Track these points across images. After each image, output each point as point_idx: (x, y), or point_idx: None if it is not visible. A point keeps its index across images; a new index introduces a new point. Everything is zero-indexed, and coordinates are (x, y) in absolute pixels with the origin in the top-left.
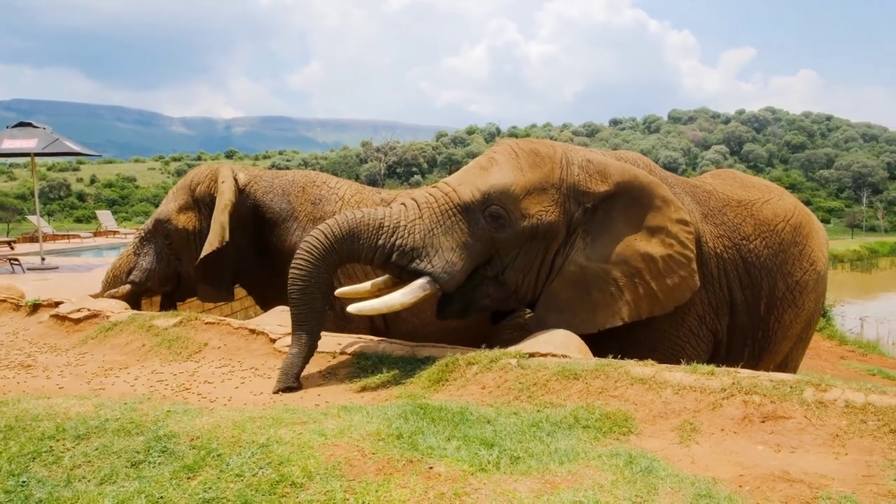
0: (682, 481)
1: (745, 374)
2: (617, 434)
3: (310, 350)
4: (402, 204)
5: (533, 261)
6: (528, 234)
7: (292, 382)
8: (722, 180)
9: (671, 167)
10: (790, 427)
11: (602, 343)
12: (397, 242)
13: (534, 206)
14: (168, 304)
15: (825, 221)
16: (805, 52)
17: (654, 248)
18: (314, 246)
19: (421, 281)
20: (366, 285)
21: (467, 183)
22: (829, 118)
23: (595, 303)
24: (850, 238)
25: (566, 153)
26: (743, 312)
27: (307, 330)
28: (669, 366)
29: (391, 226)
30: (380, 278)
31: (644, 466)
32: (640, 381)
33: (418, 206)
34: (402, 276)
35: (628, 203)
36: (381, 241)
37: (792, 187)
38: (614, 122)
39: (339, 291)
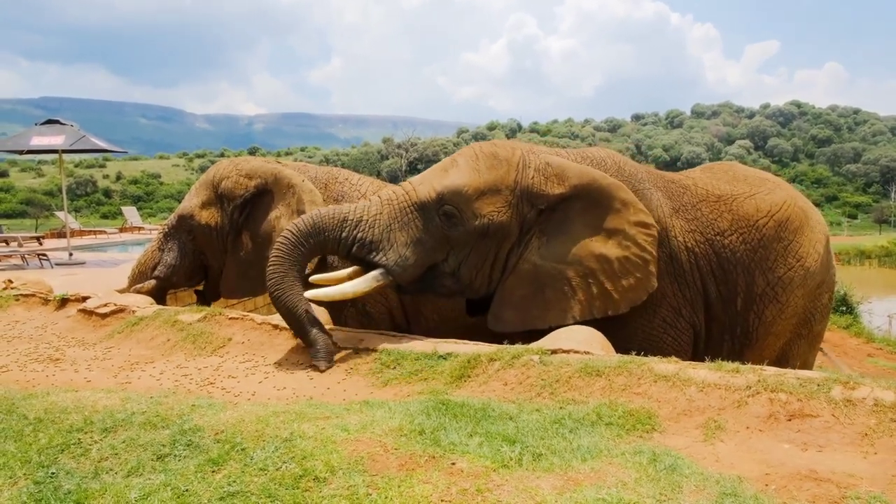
0: (707, 479)
1: (770, 371)
2: (640, 431)
3: (321, 325)
4: (368, 200)
5: (486, 258)
6: (480, 233)
7: (331, 361)
8: (712, 174)
9: (694, 163)
10: (817, 425)
11: None
12: (358, 235)
13: (486, 207)
14: (203, 300)
15: (852, 217)
16: (830, 45)
17: (611, 249)
18: (283, 244)
19: (374, 273)
20: (342, 273)
21: (426, 183)
22: (856, 111)
23: (548, 300)
24: (877, 234)
25: (525, 156)
26: (718, 307)
27: (302, 315)
28: (693, 363)
29: (354, 220)
30: (352, 267)
31: (668, 464)
32: (663, 378)
33: (381, 203)
34: (363, 266)
35: (587, 205)
36: (344, 234)
37: (818, 182)
38: (636, 118)
39: (314, 278)
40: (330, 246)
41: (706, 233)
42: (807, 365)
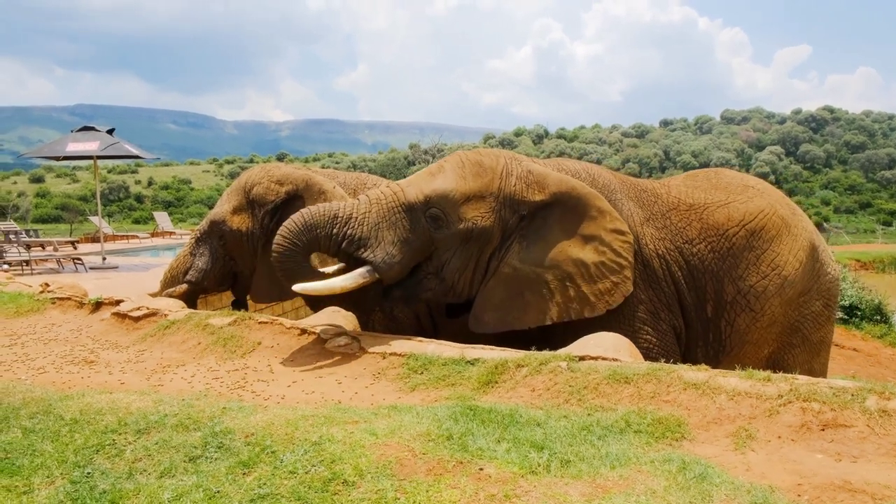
0: (738, 489)
1: (803, 380)
2: (669, 439)
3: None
4: (358, 199)
5: (468, 261)
6: (464, 237)
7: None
8: (693, 181)
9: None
10: (851, 436)
11: (554, 338)
12: (347, 232)
13: (470, 212)
14: (238, 307)
15: (886, 224)
16: (863, 49)
17: (588, 254)
18: (279, 243)
19: (362, 269)
20: (330, 269)
21: (414, 185)
22: (891, 117)
23: (527, 302)
24: None
25: (508, 165)
26: (692, 313)
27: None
28: (724, 370)
29: (344, 217)
30: (341, 264)
31: (698, 473)
32: (693, 385)
33: (370, 202)
34: (350, 263)
35: (565, 212)
36: (334, 231)
37: (852, 189)
38: (665, 123)
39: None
40: (322, 243)
41: (675, 241)
42: (813, 373)
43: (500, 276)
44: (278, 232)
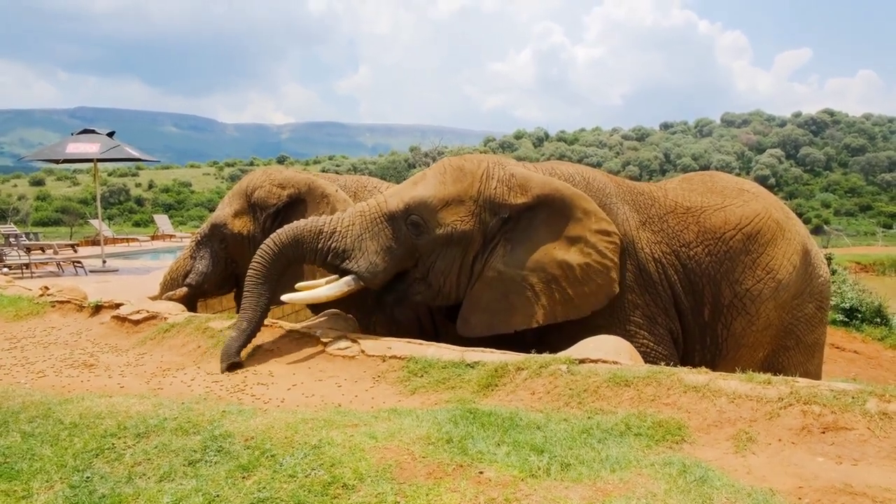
0: (739, 492)
1: (803, 383)
2: (670, 442)
3: (250, 334)
4: (342, 212)
5: (452, 265)
6: (444, 241)
7: (234, 359)
8: (689, 185)
9: (724, 171)
10: (852, 438)
11: (550, 341)
12: (332, 245)
13: (449, 217)
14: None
15: (887, 227)
16: (864, 53)
17: (572, 256)
18: (265, 252)
19: (347, 278)
20: (321, 281)
21: (396, 195)
22: (891, 120)
23: (512, 305)
24: None
25: (490, 169)
26: (688, 317)
27: (249, 318)
28: (724, 374)
29: (329, 231)
30: (333, 276)
31: (698, 476)
32: (693, 388)
33: (354, 215)
34: (337, 274)
35: (550, 214)
36: (319, 245)
37: (852, 191)
38: (665, 126)
39: (298, 286)
40: (308, 256)
41: (672, 244)
42: (809, 374)
43: (485, 279)
44: (265, 241)
